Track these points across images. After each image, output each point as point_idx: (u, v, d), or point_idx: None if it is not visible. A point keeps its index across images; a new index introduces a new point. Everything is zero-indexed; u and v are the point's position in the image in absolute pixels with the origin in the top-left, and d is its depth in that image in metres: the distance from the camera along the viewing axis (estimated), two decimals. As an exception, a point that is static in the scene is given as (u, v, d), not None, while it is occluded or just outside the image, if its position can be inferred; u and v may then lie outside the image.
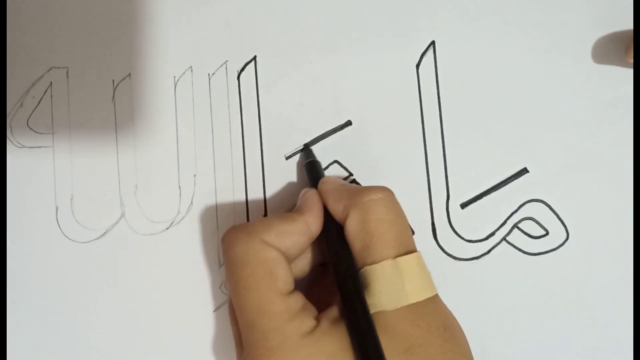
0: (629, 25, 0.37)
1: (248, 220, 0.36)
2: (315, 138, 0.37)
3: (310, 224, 0.31)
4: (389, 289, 0.29)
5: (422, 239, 0.36)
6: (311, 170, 0.35)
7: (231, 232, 0.30)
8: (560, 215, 0.36)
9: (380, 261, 0.29)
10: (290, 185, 0.37)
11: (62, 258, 0.36)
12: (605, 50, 0.37)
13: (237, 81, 0.37)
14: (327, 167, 0.37)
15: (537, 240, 0.36)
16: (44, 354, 0.36)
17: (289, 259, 0.30)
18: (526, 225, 0.36)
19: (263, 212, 0.37)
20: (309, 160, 0.35)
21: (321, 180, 0.33)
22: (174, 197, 0.37)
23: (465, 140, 0.37)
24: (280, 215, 0.31)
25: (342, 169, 0.37)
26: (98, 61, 0.37)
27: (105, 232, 0.36)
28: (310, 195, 0.32)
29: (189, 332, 0.36)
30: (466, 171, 0.37)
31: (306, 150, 0.36)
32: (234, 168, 0.37)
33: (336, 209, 0.31)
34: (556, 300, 0.36)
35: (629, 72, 0.36)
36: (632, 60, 0.35)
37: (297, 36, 0.38)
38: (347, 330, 0.28)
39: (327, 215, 0.31)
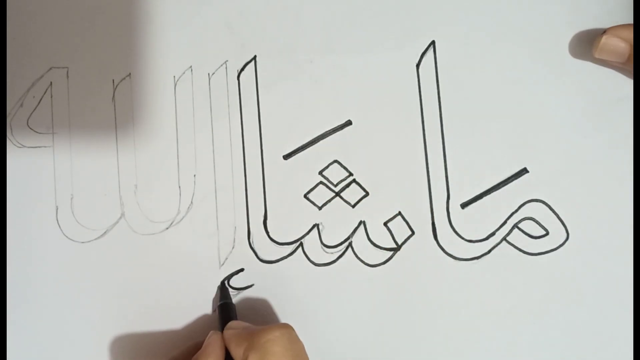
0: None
1: (248, 220, 0.37)
2: (315, 138, 0.37)
3: None
4: None
5: (422, 238, 0.36)
6: (222, 313, 0.34)
7: None
8: (560, 215, 0.36)
9: None
10: (290, 184, 0.37)
11: (62, 258, 0.36)
12: (605, 50, 0.37)
13: (237, 81, 0.37)
14: (327, 167, 0.37)
15: (537, 240, 0.36)
16: (44, 354, 0.36)
17: None
18: (526, 225, 0.36)
19: (263, 212, 0.37)
20: (222, 302, 0.35)
21: (226, 327, 0.32)
22: (174, 197, 0.37)
23: (466, 140, 0.37)
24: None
25: (342, 169, 0.37)
26: (98, 61, 0.37)
27: (105, 232, 0.36)
28: (212, 341, 0.31)
29: (189, 332, 0.36)
30: (466, 171, 0.37)
31: (222, 288, 0.36)
32: (234, 168, 0.37)
33: (237, 354, 0.30)
34: (556, 300, 0.36)
35: (628, 73, 0.36)
36: (598, 56, 0.35)
37: (297, 36, 0.38)
38: None
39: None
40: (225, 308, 0.34)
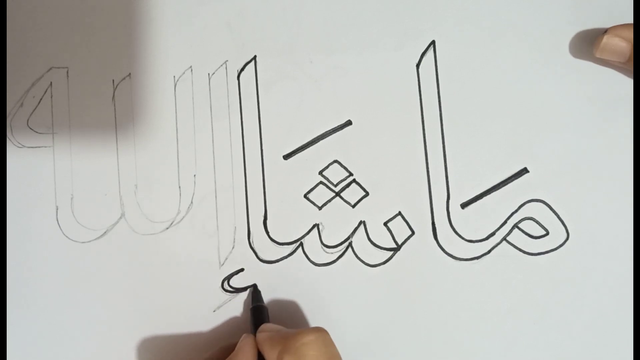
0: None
1: (248, 220, 0.37)
2: (315, 138, 0.37)
3: None
4: None
5: (422, 238, 0.36)
6: (255, 316, 0.34)
7: None
8: (561, 215, 0.36)
9: None
10: (290, 184, 0.37)
11: (62, 258, 0.36)
12: (605, 50, 0.37)
13: (237, 81, 0.37)
14: (327, 167, 0.37)
15: (538, 240, 0.36)
16: (44, 354, 0.36)
17: None
18: (526, 225, 0.36)
19: (263, 212, 0.37)
20: (254, 305, 0.35)
21: (259, 329, 0.32)
22: (174, 197, 0.37)
23: (466, 140, 0.37)
24: None
25: (342, 169, 0.37)
26: (98, 61, 0.37)
27: (105, 232, 0.36)
28: (245, 344, 0.31)
29: (189, 332, 0.36)
30: (466, 171, 0.37)
31: (255, 292, 0.36)
32: (234, 168, 0.37)
33: (271, 357, 0.30)
34: (556, 300, 0.36)
35: (629, 72, 0.36)
36: (599, 55, 0.35)
37: (297, 36, 0.38)
38: None
39: None
40: (258, 311, 0.34)
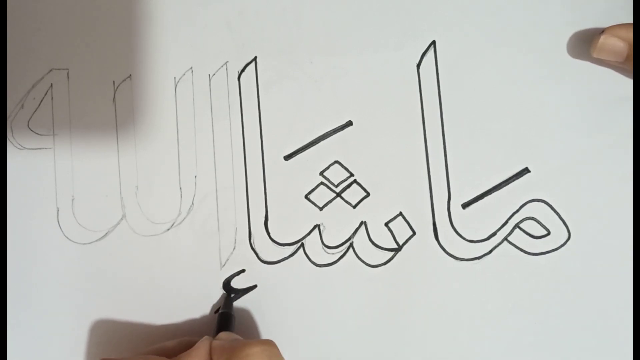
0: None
1: (249, 221, 0.37)
2: (315, 138, 0.37)
3: None
4: None
5: (423, 239, 0.36)
6: (220, 321, 0.35)
7: None
8: (562, 215, 0.36)
9: None
10: (291, 185, 0.37)
11: (63, 259, 0.36)
12: (606, 49, 0.37)
13: (237, 82, 0.37)
14: (327, 168, 0.37)
15: (539, 240, 0.36)
16: (44, 354, 0.36)
17: None
18: (528, 225, 0.36)
19: (264, 213, 0.37)
20: (222, 311, 0.35)
21: (217, 336, 0.32)
22: (175, 198, 0.37)
23: (467, 140, 0.37)
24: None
25: (343, 170, 0.37)
26: (98, 62, 0.37)
27: (106, 234, 0.36)
28: (201, 346, 0.31)
29: (190, 333, 0.36)
30: (467, 171, 0.37)
31: (227, 298, 0.36)
32: (235, 168, 0.37)
33: None
34: (557, 300, 0.36)
35: (627, 72, 0.36)
36: (596, 56, 0.35)
37: (297, 36, 0.38)
38: None
39: None
40: (224, 317, 0.35)
